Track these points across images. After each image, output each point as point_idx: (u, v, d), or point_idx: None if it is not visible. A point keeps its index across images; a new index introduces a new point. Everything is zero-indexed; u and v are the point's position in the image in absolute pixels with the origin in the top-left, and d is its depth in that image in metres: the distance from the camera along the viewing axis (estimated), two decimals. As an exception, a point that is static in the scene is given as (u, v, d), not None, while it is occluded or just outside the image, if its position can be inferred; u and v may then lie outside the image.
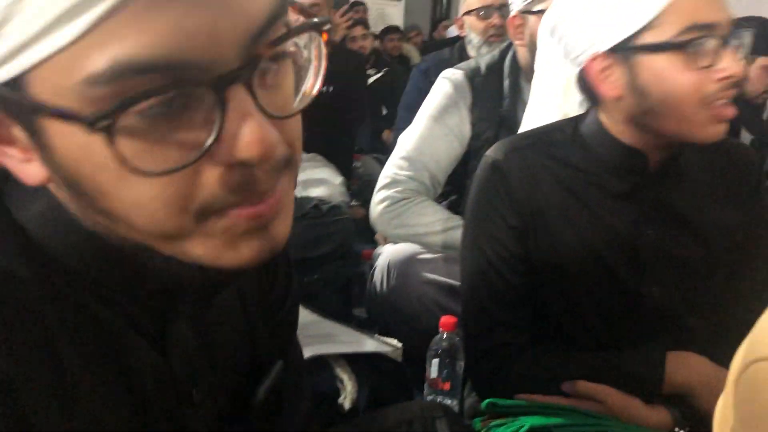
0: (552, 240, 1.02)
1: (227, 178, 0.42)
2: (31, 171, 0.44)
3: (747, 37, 0.91)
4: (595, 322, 1.03)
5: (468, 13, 2.41)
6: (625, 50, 0.91)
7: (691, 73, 0.87)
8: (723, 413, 0.56)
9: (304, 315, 1.08)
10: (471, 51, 2.40)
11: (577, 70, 0.99)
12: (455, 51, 2.47)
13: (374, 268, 1.61)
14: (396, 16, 6.42)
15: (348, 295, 1.82)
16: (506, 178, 1.03)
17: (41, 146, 0.42)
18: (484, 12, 2.35)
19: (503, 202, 1.03)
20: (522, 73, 1.70)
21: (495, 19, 2.34)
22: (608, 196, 1.01)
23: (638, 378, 0.98)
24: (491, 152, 1.06)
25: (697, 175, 1.04)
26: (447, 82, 1.71)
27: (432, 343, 1.27)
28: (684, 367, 0.97)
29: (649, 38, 0.88)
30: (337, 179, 2.27)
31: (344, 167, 2.57)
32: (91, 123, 0.38)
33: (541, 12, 1.50)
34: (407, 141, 1.68)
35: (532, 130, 1.10)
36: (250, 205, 0.44)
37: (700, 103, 0.89)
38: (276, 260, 0.71)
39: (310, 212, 1.74)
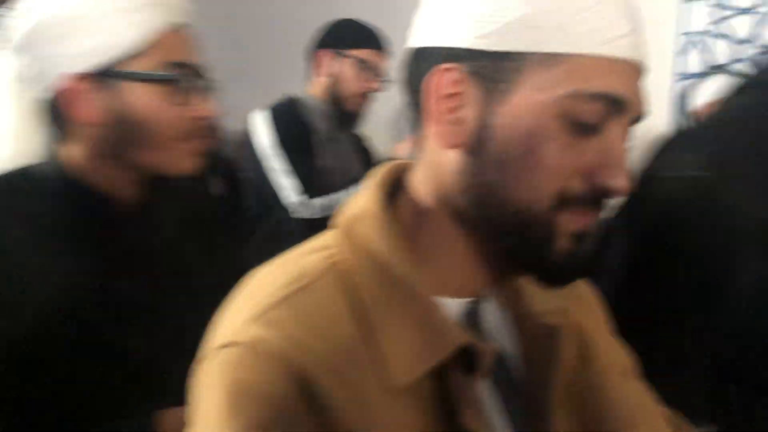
0: (13, 305, 0.88)
1: None
2: None
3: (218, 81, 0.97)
4: (90, 389, 0.94)
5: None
6: (107, 75, 0.88)
7: (170, 107, 0.90)
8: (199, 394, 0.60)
9: None
10: None
11: (46, 96, 0.91)
12: None
13: None
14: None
15: None
16: None
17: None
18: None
19: None
20: None
21: None
22: (76, 245, 0.92)
23: None
24: None
25: (175, 221, 1.03)
26: None
27: None
28: (178, 423, 0.93)
29: (133, 67, 0.88)
30: None
31: None
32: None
33: None
34: None
35: None
36: None
37: (177, 136, 0.91)
38: None
39: None
